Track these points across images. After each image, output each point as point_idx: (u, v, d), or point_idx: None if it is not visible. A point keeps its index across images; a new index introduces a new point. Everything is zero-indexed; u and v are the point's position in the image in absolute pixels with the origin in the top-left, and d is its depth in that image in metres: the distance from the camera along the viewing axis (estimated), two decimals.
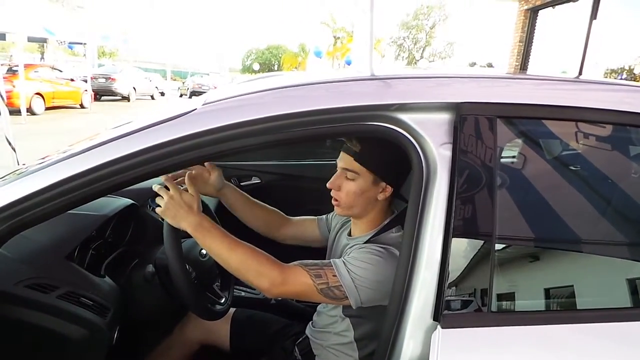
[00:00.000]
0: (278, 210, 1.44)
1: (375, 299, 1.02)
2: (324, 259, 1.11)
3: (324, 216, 1.43)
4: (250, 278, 1.02)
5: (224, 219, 1.38)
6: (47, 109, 11.04)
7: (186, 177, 1.14)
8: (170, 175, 1.12)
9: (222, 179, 1.33)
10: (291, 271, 1.02)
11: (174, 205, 1.05)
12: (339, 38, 29.41)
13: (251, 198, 1.40)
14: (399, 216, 1.15)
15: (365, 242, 1.12)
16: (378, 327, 0.95)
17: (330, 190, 1.17)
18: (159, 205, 1.07)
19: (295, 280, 1.01)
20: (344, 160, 1.13)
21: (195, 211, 1.06)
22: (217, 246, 1.03)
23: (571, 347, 0.84)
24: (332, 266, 1.03)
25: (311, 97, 0.89)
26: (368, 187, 1.13)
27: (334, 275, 1.01)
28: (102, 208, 1.36)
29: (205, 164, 1.30)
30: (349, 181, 1.13)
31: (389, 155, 1.08)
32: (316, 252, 1.35)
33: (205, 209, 1.33)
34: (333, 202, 1.18)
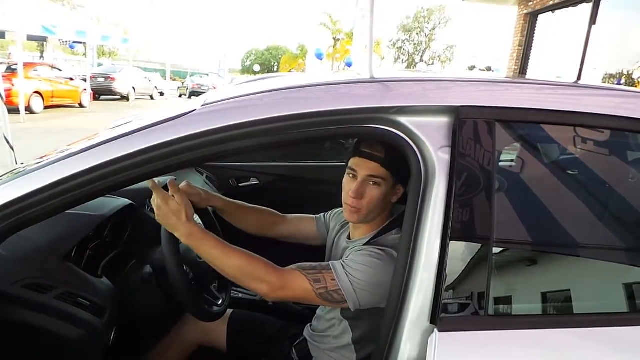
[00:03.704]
0: (271, 210, 1.43)
1: (374, 301, 1.02)
2: (322, 260, 1.10)
3: (322, 215, 1.42)
4: (248, 284, 1.02)
5: (222, 221, 1.38)
6: (46, 108, 11.00)
7: (169, 184, 1.07)
8: (154, 180, 1.05)
9: (204, 193, 1.28)
10: (290, 276, 1.02)
11: (163, 215, 1.03)
12: (338, 40, 29.45)
13: (240, 203, 1.39)
14: (399, 218, 1.15)
15: (365, 244, 1.12)
16: (375, 329, 0.94)
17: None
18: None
19: (294, 286, 1.01)
20: (367, 167, 1.09)
21: (183, 220, 1.02)
22: (211, 254, 1.02)
23: (568, 351, 0.84)
24: (330, 270, 1.03)
25: (311, 99, 0.89)
26: (389, 191, 1.12)
27: (333, 280, 1.01)
28: (100, 208, 1.36)
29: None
30: (373, 188, 1.10)
31: (404, 156, 1.07)
32: (314, 251, 1.35)
33: (204, 212, 1.33)
34: (350, 210, 1.13)
